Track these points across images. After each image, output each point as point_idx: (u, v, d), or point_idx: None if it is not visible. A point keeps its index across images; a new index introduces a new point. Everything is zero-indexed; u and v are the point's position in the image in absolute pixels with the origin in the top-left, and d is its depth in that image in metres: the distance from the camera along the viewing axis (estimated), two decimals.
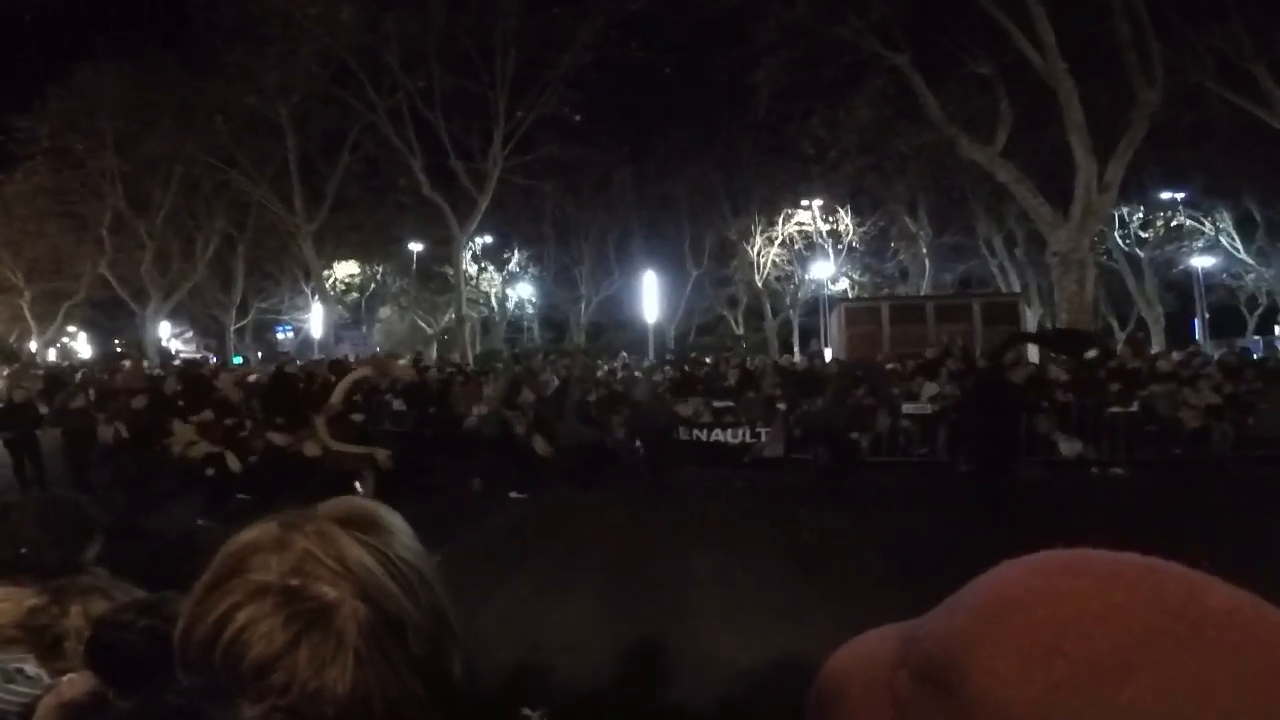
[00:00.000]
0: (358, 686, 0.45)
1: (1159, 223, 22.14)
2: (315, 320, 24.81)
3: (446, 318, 28.11)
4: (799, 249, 25.81)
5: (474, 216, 19.97)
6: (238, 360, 21.65)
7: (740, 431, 9.71)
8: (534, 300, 31.52)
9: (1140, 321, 23.06)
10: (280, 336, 32.02)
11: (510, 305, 31.13)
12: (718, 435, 9.78)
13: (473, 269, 28.41)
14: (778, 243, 25.89)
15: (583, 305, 28.94)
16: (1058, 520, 5.67)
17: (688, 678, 3.31)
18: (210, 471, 6.27)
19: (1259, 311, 23.42)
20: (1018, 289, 21.74)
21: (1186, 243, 22.48)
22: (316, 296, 23.72)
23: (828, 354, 19.08)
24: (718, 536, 5.74)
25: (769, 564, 4.99)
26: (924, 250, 23.56)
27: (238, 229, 22.48)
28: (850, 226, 24.36)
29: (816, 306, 25.66)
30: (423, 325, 29.79)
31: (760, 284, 26.45)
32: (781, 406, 10.20)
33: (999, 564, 0.38)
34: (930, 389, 10.31)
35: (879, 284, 26.04)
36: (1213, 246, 22.22)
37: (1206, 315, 23.25)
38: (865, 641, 0.43)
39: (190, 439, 6.39)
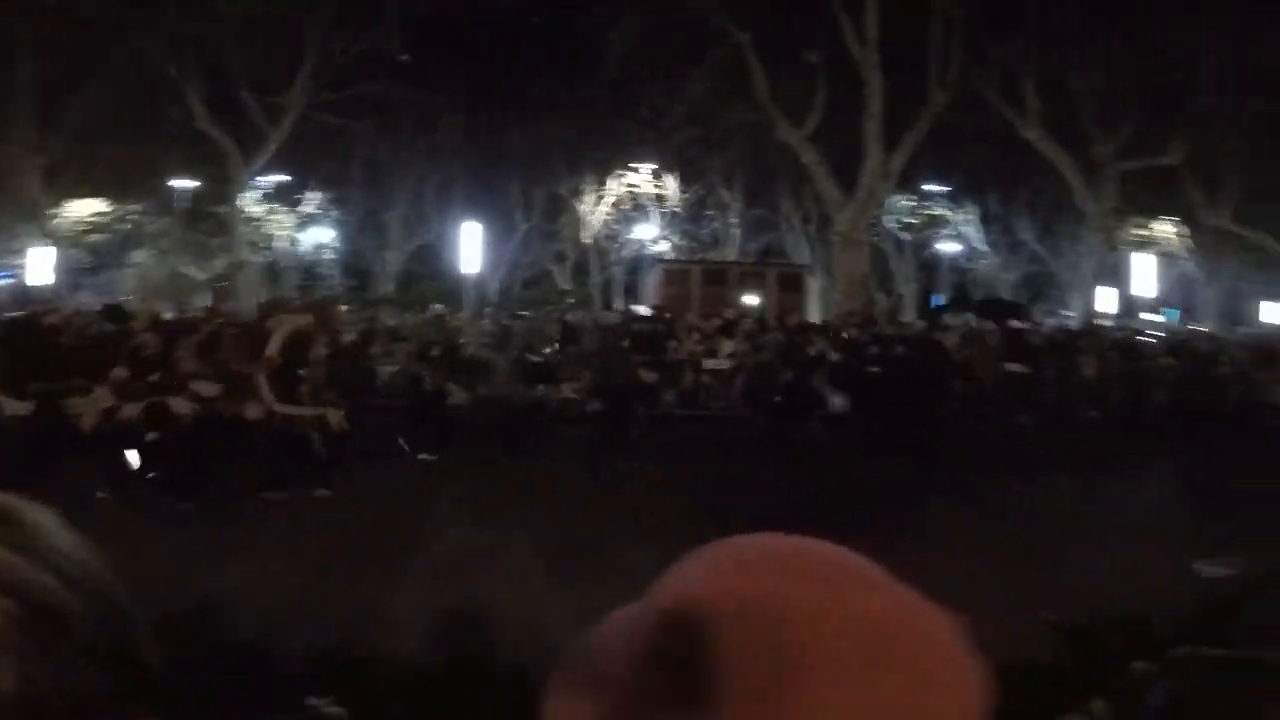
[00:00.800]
0: (26, 684, 0.41)
1: (923, 211, 25.80)
2: (40, 265, 20.46)
3: (222, 262, 24.64)
4: (627, 209, 26.43)
5: (262, 155, 17.79)
6: None
7: (563, 387, 9.90)
8: (336, 245, 28.64)
9: (899, 296, 26.94)
10: None
11: (304, 250, 27.98)
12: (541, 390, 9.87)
13: (259, 209, 25.07)
14: (608, 202, 26.26)
15: (390, 253, 27.05)
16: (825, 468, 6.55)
17: (492, 643, 3.32)
18: (150, 437, 5.26)
19: (980, 296, 28.55)
20: (808, 261, 24.41)
21: (941, 230, 26.54)
22: (41, 238, 19.65)
23: (642, 310, 20.06)
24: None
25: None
26: (735, 221, 25.45)
27: None
28: (675, 192, 25.25)
29: (637, 265, 26.64)
30: (189, 271, 25.63)
31: (589, 241, 26.74)
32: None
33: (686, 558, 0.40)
34: (728, 346, 11.27)
35: (694, 249, 27.67)
36: (957, 235, 26.36)
37: (948, 294, 27.97)
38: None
39: (107, 402, 5.21)
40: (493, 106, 23.11)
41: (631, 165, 25.02)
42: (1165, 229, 23.58)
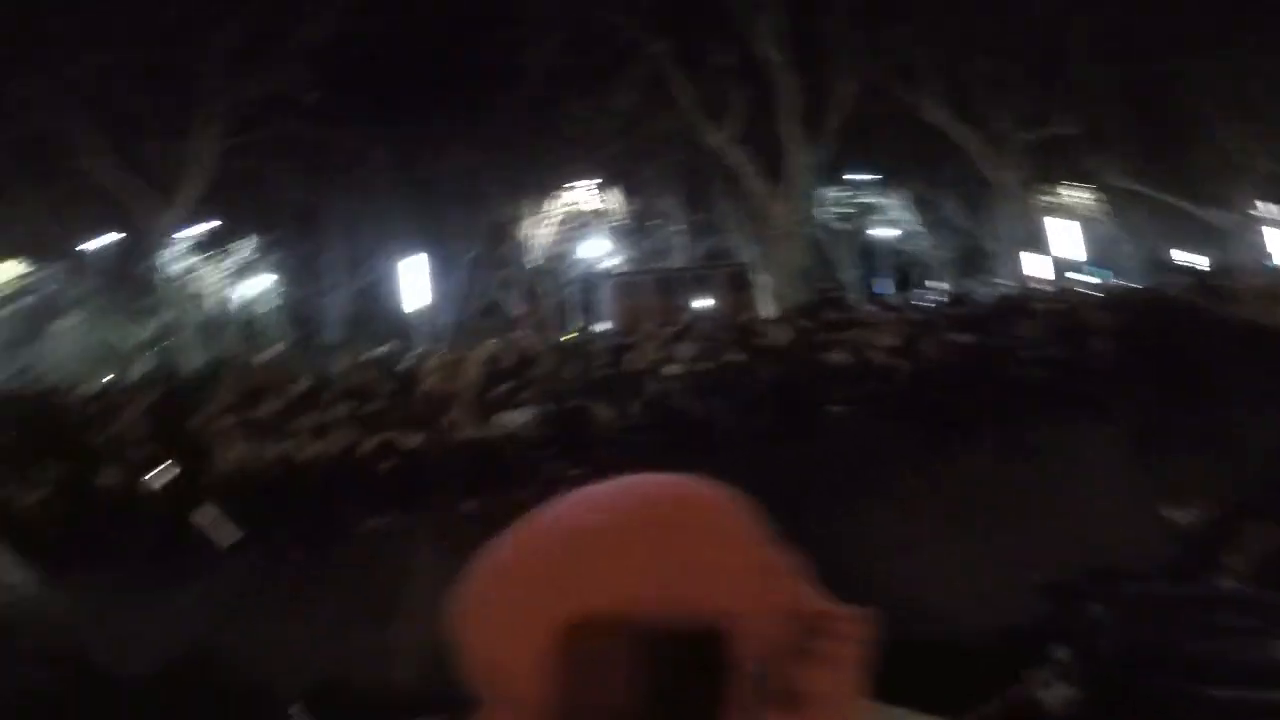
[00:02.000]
0: None
1: (854, 200, 26.62)
2: None
3: (152, 326, 23.29)
4: (571, 228, 26.36)
5: (179, 205, 17.16)
6: None
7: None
8: (277, 294, 27.72)
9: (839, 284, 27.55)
10: None
11: (242, 301, 26.93)
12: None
13: (185, 263, 23.87)
14: (550, 223, 26.17)
15: (335, 296, 26.33)
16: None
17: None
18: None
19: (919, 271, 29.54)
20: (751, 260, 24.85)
21: (874, 217, 27.44)
22: None
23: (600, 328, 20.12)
24: None
25: None
26: (681, 228, 25.70)
27: None
28: (621, 205, 25.40)
29: (591, 282, 26.60)
30: (119, 336, 24.26)
31: (535, 264, 26.58)
32: None
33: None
34: (685, 350, 11.28)
35: (646, 259, 27.75)
36: (891, 221, 27.37)
37: (892, 275, 28.91)
38: None
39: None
40: (417, 139, 22.58)
41: (568, 184, 24.96)
42: (1079, 195, 24.92)
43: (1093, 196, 25.01)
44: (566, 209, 26.01)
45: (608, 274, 23.88)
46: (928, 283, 27.50)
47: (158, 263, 18.27)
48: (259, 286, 26.98)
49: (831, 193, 24.94)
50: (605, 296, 21.23)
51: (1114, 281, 22.95)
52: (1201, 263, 25.55)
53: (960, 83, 16.32)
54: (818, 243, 25.81)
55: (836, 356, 10.66)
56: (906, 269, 29.63)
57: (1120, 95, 17.54)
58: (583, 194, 25.67)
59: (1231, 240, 20.53)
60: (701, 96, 15.21)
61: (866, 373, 10.69)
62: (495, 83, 17.45)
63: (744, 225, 26.08)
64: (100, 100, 15.58)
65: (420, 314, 25.07)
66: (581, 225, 26.19)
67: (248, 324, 27.16)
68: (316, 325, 27.07)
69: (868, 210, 27.08)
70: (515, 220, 25.76)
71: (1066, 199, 24.68)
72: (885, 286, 27.97)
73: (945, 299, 14.23)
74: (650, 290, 19.19)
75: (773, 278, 22.90)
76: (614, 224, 26.09)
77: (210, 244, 24.50)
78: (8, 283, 22.81)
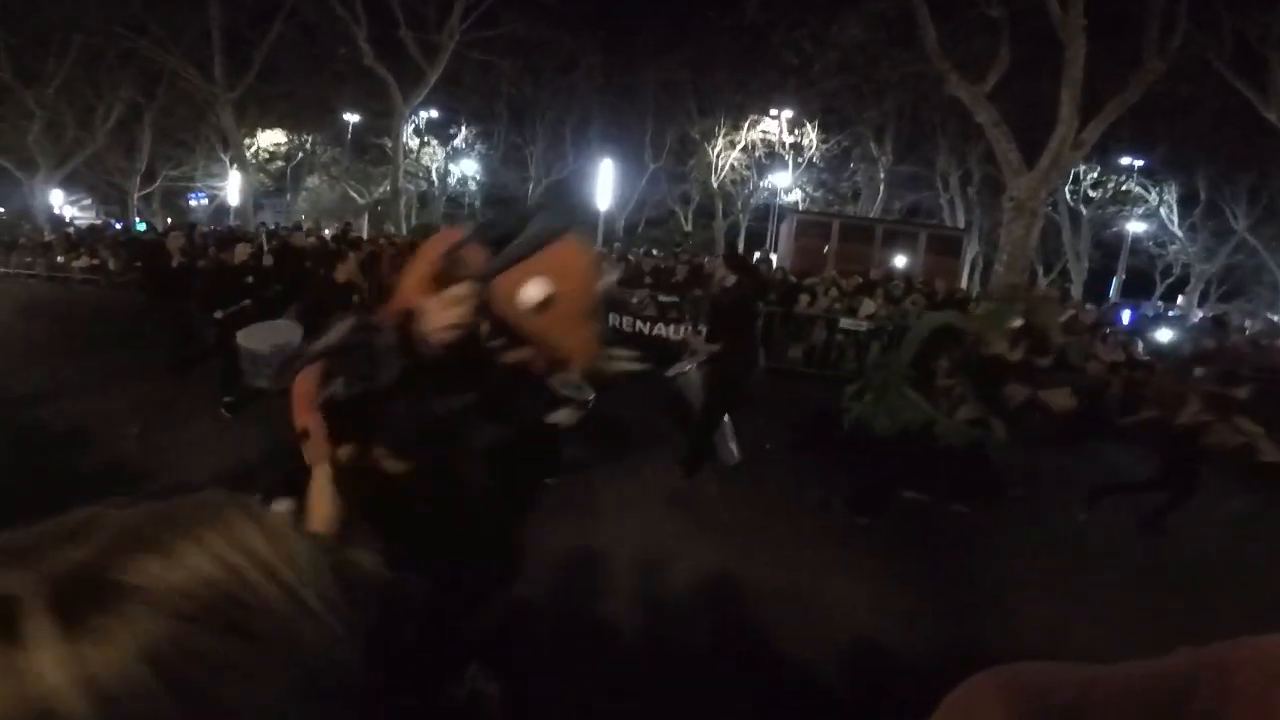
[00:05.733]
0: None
1: (1110, 185, 23.00)
2: (232, 188, 22.96)
3: (380, 189, 26.70)
4: (759, 156, 25.31)
5: (420, 90, 18.63)
6: (141, 228, 19.95)
7: (683, 327, 9.29)
8: (478, 177, 30.14)
9: (1064, 273, 24.26)
10: (194, 204, 29.56)
11: (452, 181, 29.70)
12: (660, 330, 9.50)
13: (414, 142, 26.84)
14: (739, 147, 25.22)
15: (530, 186, 27.92)
16: None
17: None
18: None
19: (1169, 281, 25.14)
20: (963, 225, 22.51)
21: (1129, 207, 23.51)
22: (235, 165, 21.89)
23: (774, 260, 19.54)
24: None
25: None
26: (881, 175, 23.76)
27: (146, 97, 20.04)
28: (814, 141, 23.93)
29: (767, 213, 25.81)
30: (354, 195, 28.27)
31: (715, 185, 26.13)
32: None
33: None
34: (868, 307, 10.73)
35: (830, 200, 26.23)
36: (1151, 215, 23.34)
37: (1124, 276, 24.53)
38: (1024, 676, 0.43)
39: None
40: (630, 47, 22.47)
41: (771, 113, 23.77)
42: None
43: None
44: (763, 136, 24.54)
45: (794, 209, 22.88)
46: (1180, 298, 23.58)
47: (393, 138, 20.28)
48: (467, 169, 29.46)
49: (1085, 172, 21.74)
50: (784, 231, 20.45)
51: None
52: None
53: None
54: (1051, 222, 22.93)
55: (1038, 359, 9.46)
56: (1150, 275, 25.41)
57: None
58: (782, 123, 23.78)
59: None
60: (953, 45, 13.51)
61: (1077, 385, 9.15)
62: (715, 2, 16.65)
63: (964, 186, 23.72)
64: None
65: (599, 214, 26.05)
66: (771, 155, 24.59)
67: (452, 199, 30.05)
68: (511, 208, 28.81)
69: (1121, 198, 23.35)
70: (705, 139, 24.89)
71: None
72: (1118, 291, 23.88)
73: (1200, 333, 11.91)
74: (836, 235, 18.13)
75: (987, 250, 20.62)
76: (806, 159, 24.30)
77: (433, 128, 27.32)
78: (277, 145, 27.68)
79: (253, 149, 25.04)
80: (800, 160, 24.60)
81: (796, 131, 23.90)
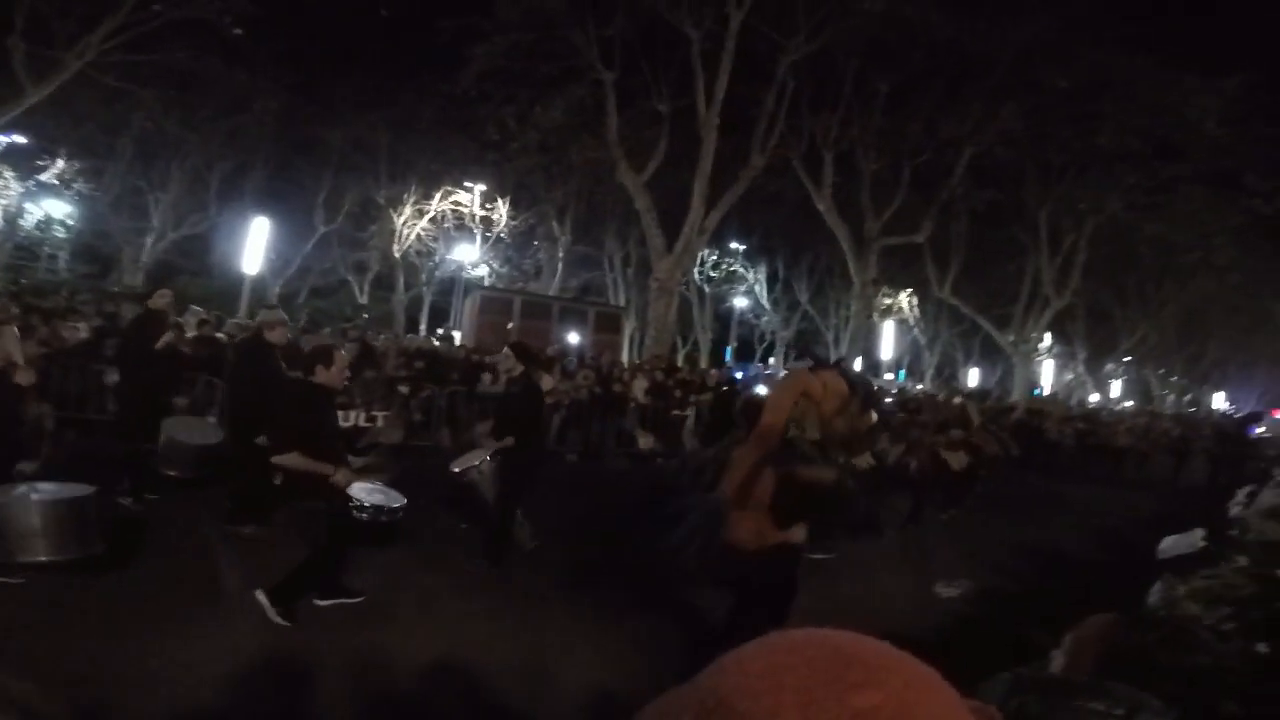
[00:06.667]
0: None
1: (723, 266, 28.70)
2: None
3: None
4: (448, 227, 25.60)
5: (8, 110, 14.79)
6: None
7: (353, 415, 8.50)
8: (70, 222, 24.04)
9: (696, 344, 29.64)
10: None
11: (27, 223, 23.22)
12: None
13: None
14: (428, 217, 25.23)
15: (150, 239, 23.34)
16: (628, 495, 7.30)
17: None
18: None
19: (765, 345, 32.48)
20: (623, 303, 25.68)
21: (736, 285, 29.70)
22: None
23: (456, 337, 19.71)
24: None
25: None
26: (560, 254, 25.96)
27: None
28: (504, 216, 25.03)
29: (452, 287, 25.91)
30: None
31: (399, 254, 25.36)
32: (404, 390, 9.53)
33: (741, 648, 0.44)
34: (547, 383, 11.36)
35: (515, 277, 27.61)
36: (749, 292, 29.89)
37: (735, 344, 31.12)
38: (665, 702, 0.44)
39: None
40: (327, 98, 21.37)
41: (465, 185, 24.36)
42: (903, 300, 28.90)
43: (910, 303, 29.05)
44: (451, 207, 24.99)
45: (479, 285, 23.41)
46: (770, 360, 30.10)
47: None
48: (54, 211, 23.31)
49: (709, 255, 26.62)
50: (468, 307, 20.80)
51: (910, 384, 26.62)
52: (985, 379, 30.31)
53: (849, 179, 18.31)
54: (685, 300, 27.53)
55: (679, 413, 11.38)
56: (750, 341, 32.28)
57: (962, 217, 20.83)
58: (475, 196, 24.89)
59: (1013, 362, 24.74)
60: (625, 135, 15.73)
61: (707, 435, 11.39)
62: (425, 66, 16.93)
63: (624, 267, 27.08)
64: None
65: (246, 279, 22.67)
66: (460, 228, 25.22)
67: (23, 249, 23.32)
68: (114, 266, 23.70)
69: (732, 278, 29.23)
70: (392, 205, 24.43)
71: (894, 301, 28.50)
72: (733, 356, 30.37)
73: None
74: (517, 312, 19.01)
75: (641, 326, 23.61)
76: (495, 235, 25.58)
77: (19, 155, 21.06)
78: None
79: None
80: (489, 235, 25.41)
81: (488, 205, 24.66)
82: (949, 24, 14.11)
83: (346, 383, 8.69)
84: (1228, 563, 3.02)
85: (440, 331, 23.77)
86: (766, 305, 30.07)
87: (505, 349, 5.39)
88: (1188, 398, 34.75)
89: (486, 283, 24.41)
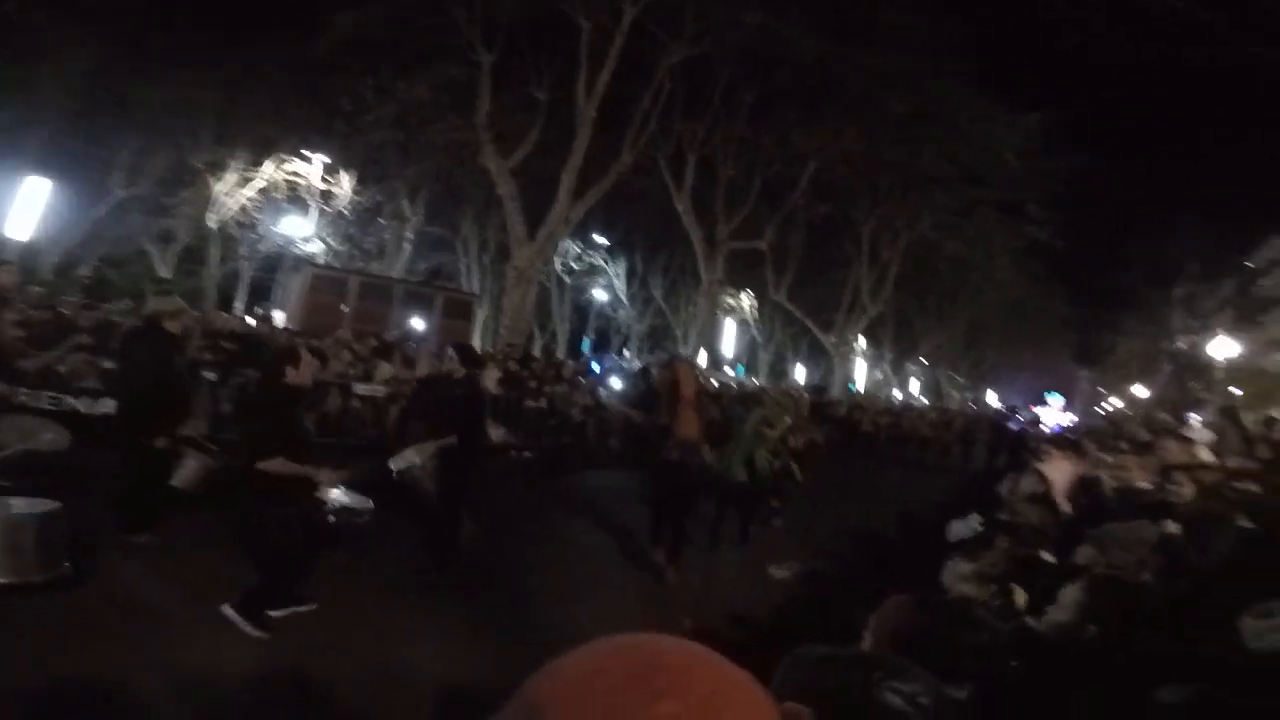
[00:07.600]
0: None
1: (584, 259, 28.87)
2: None
3: None
4: (278, 198, 22.96)
5: None
6: None
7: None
8: None
9: (554, 334, 29.53)
10: None
11: None
12: (104, 407, 6.92)
13: None
14: (256, 187, 22.46)
15: None
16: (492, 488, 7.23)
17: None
18: None
19: (621, 338, 33.18)
20: (477, 290, 24.75)
21: (596, 278, 29.98)
22: None
23: (278, 318, 17.62)
24: None
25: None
26: (409, 235, 24.41)
27: None
28: (349, 191, 23.01)
29: (277, 264, 23.47)
30: None
31: (214, 225, 22.40)
32: (211, 376, 8.38)
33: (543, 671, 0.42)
34: (385, 371, 10.64)
35: (354, 256, 25.52)
36: (609, 286, 30.36)
37: (593, 336, 31.49)
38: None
39: None
40: (151, 50, 18.17)
41: (304, 154, 21.96)
42: (744, 301, 30.96)
43: (750, 304, 31.20)
44: (285, 177, 22.27)
45: (309, 261, 21.28)
46: (626, 352, 30.62)
47: None
48: None
49: (570, 246, 26.56)
50: (295, 285, 18.76)
51: (743, 378, 28.57)
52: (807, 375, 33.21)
53: (708, 183, 19.21)
54: (544, 290, 27.30)
55: (533, 404, 11.15)
56: (607, 333, 32.76)
57: (800, 227, 22.68)
58: (313, 169, 22.44)
59: (834, 360, 27.46)
60: (499, 120, 15.23)
61: (562, 426, 11.33)
62: (280, 25, 15.00)
63: (481, 253, 26.07)
64: None
65: (15, 245, 18.82)
66: (294, 199, 22.55)
67: None
68: None
69: (593, 271, 29.42)
70: (212, 170, 21.40)
71: (737, 302, 30.42)
72: (590, 348, 30.52)
73: (636, 379, 15.53)
74: (354, 293, 17.42)
75: (495, 314, 22.92)
76: (336, 210, 23.27)
77: None
78: None
79: None
80: (328, 209, 23.20)
81: (329, 178, 22.48)
82: (817, 45, 15.23)
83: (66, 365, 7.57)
84: (997, 545, 3.59)
85: (259, 311, 21.35)
86: (625, 299, 30.67)
87: (449, 349, 5.84)
88: (969, 395, 40.60)
89: (320, 260, 22.35)
